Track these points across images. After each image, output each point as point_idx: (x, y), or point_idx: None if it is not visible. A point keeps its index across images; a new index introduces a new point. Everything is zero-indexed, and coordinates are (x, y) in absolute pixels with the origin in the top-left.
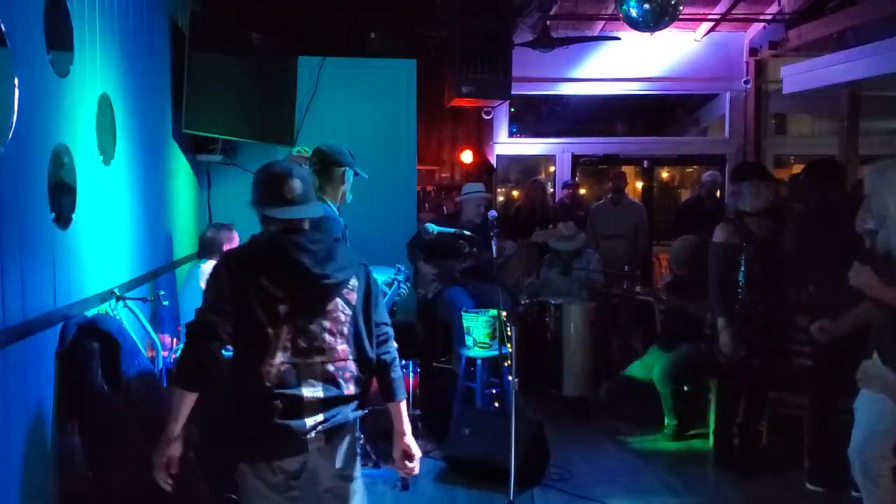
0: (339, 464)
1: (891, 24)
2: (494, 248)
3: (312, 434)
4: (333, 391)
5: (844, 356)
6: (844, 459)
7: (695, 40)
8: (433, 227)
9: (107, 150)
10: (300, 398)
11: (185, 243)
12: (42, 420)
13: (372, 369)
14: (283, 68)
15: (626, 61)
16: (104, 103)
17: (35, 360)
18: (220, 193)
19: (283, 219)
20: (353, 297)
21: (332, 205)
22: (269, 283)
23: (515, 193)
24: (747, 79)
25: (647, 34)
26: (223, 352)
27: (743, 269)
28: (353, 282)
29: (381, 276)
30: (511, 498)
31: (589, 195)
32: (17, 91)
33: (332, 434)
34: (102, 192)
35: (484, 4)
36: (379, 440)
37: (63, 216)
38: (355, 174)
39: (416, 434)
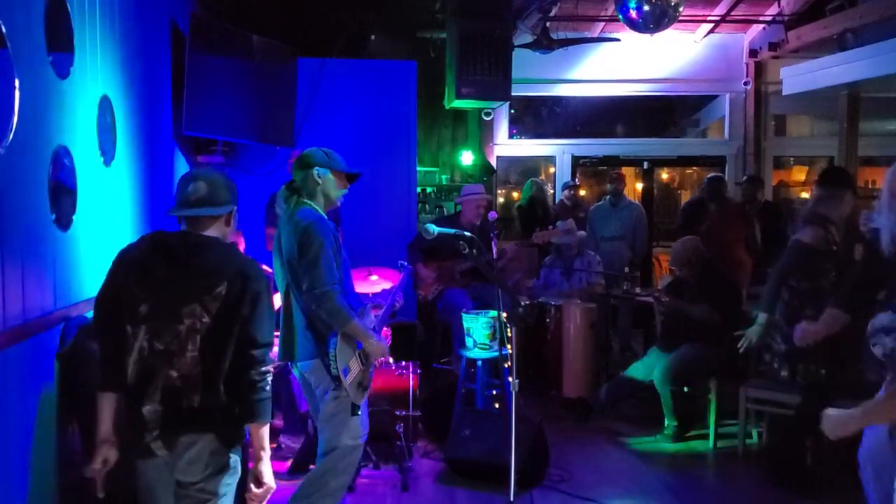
0: (183, 475)
1: (890, 25)
2: (495, 250)
3: (153, 442)
4: (174, 403)
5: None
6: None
7: (694, 42)
8: (433, 228)
9: (107, 151)
10: (141, 408)
11: None
12: (43, 421)
13: (230, 386)
14: (283, 70)
15: (626, 63)
16: (105, 105)
17: (35, 361)
18: None
19: (183, 217)
20: (215, 305)
21: (317, 207)
22: (134, 281)
23: (515, 195)
24: (747, 80)
25: (647, 36)
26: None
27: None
28: (220, 290)
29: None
30: (511, 499)
31: (589, 196)
32: (17, 92)
33: (172, 444)
34: (103, 194)
35: (484, 6)
36: (378, 441)
37: (63, 217)
38: (336, 173)
39: (417, 435)
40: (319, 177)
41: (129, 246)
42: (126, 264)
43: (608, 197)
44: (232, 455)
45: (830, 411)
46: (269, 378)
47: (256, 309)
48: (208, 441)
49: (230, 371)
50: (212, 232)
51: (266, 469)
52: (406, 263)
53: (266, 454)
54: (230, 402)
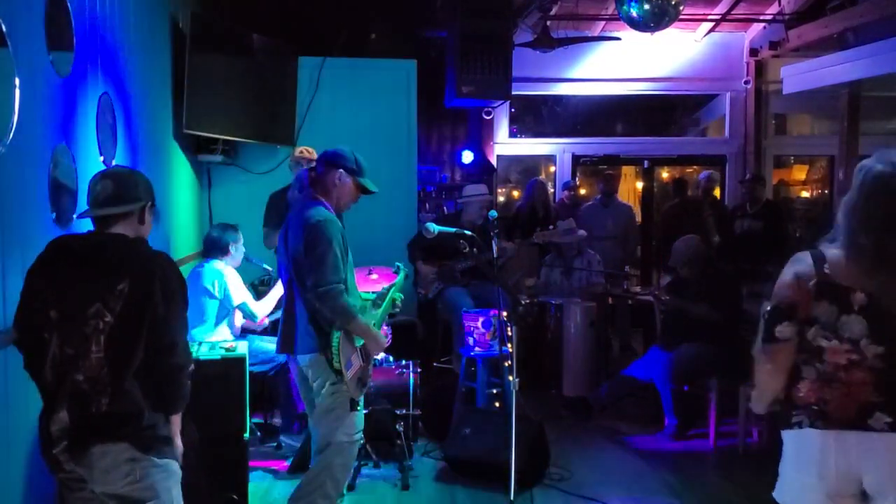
0: (104, 485)
1: (890, 24)
2: (495, 249)
3: (62, 454)
4: (81, 409)
5: None
6: None
7: (695, 41)
8: (434, 227)
9: (107, 150)
10: (49, 419)
11: (185, 243)
12: None
13: (146, 388)
14: (283, 68)
15: (627, 61)
16: (105, 103)
17: None
18: (221, 193)
19: (93, 218)
20: (119, 304)
21: (328, 206)
22: (42, 287)
23: (516, 194)
24: (747, 79)
25: (648, 34)
26: None
27: None
28: (121, 287)
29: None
30: (511, 498)
31: (589, 195)
32: (17, 91)
33: (81, 456)
34: None
35: (484, 5)
36: (379, 440)
37: (64, 216)
38: (358, 184)
39: (417, 434)
40: (340, 179)
41: (37, 257)
42: (33, 274)
43: (599, 197)
44: (158, 458)
45: None
46: (190, 373)
47: (170, 307)
48: (122, 449)
49: (146, 374)
50: (121, 229)
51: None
52: (401, 266)
53: (177, 437)
54: (146, 404)
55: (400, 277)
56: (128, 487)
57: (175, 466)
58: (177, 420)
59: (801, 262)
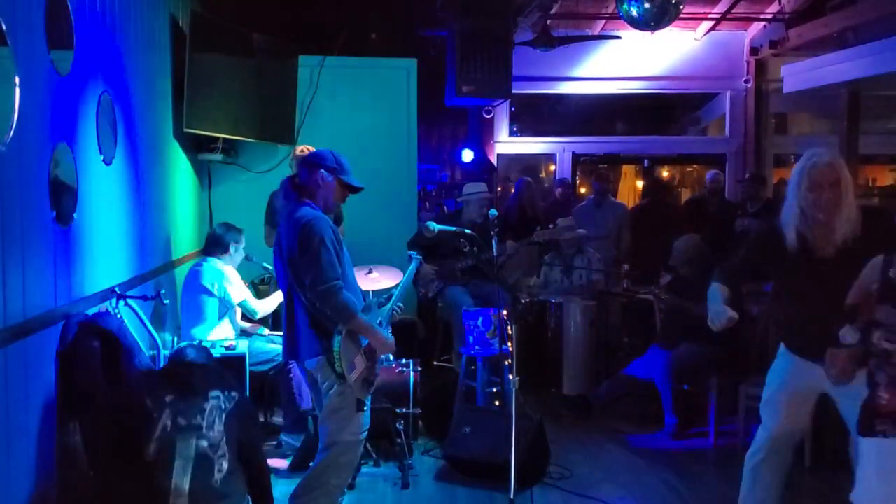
0: None
1: (890, 23)
2: (495, 248)
3: None
4: (202, 476)
5: None
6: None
7: (695, 39)
8: (434, 226)
9: (107, 148)
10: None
11: (185, 242)
12: (43, 419)
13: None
14: (283, 68)
15: (627, 60)
16: (105, 102)
17: (36, 359)
18: (221, 192)
19: None
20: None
21: (315, 207)
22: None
23: None
24: (748, 78)
25: (648, 33)
26: None
27: None
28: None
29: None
30: (511, 496)
31: (588, 194)
32: (17, 90)
33: None
34: (103, 191)
35: (484, 4)
36: (379, 439)
37: (64, 215)
38: (340, 182)
39: (417, 432)
40: (323, 180)
41: None
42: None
43: (592, 197)
44: None
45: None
46: None
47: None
48: None
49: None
50: None
51: None
52: (413, 254)
53: None
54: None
55: (412, 266)
56: None
57: None
58: None
59: (873, 267)
